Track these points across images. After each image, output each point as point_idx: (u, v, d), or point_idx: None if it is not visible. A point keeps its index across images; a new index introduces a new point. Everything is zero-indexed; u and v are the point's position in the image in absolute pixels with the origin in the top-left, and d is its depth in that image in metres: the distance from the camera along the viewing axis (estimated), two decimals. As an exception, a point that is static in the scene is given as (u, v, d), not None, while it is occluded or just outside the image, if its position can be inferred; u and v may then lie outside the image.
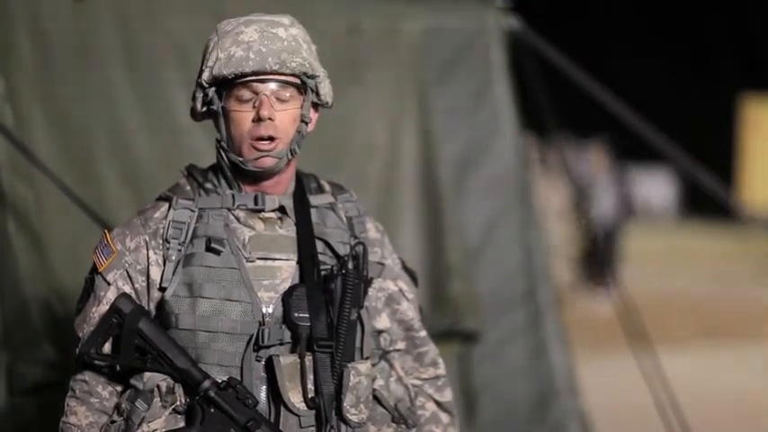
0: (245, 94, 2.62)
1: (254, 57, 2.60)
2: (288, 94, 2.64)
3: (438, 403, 2.88)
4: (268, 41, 2.61)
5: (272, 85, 2.62)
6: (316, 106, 2.73)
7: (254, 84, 2.62)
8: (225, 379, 2.57)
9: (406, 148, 4.84)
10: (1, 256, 3.87)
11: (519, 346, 5.11)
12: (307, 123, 2.69)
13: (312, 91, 2.70)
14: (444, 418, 2.88)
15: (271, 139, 2.62)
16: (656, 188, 30.08)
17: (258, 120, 2.61)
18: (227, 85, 2.63)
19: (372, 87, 4.76)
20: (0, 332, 3.82)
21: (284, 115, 2.63)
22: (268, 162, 2.64)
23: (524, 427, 5.09)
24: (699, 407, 6.28)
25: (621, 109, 5.17)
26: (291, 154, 2.67)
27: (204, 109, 2.71)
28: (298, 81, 2.65)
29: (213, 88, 2.66)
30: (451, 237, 4.86)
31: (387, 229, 2.92)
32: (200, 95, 2.69)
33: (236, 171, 2.68)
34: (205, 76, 2.65)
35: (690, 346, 11.05)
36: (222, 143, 2.68)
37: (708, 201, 7.43)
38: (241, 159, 2.64)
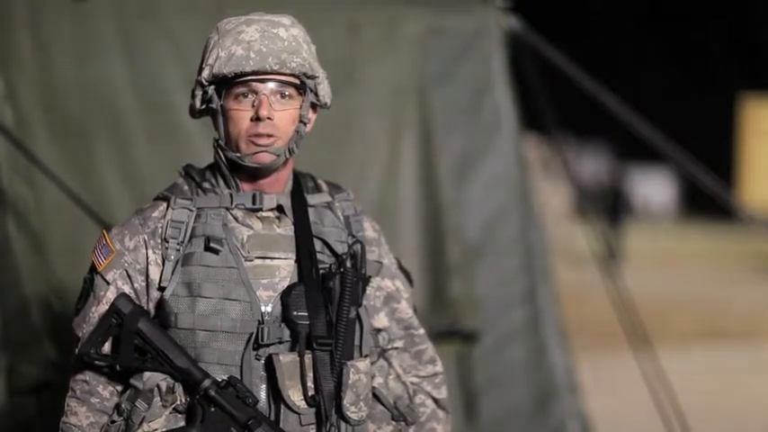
0: (245, 92, 2.63)
1: (255, 56, 2.60)
2: (287, 94, 2.64)
3: (435, 400, 2.89)
4: (269, 41, 2.62)
5: (272, 85, 2.63)
6: (314, 107, 2.74)
7: (254, 83, 2.62)
8: (225, 378, 2.57)
9: (406, 147, 4.84)
10: (1, 256, 3.87)
11: (519, 346, 5.11)
12: (305, 123, 2.70)
13: (311, 91, 2.70)
14: (441, 414, 2.89)
15: (269, 136, 2.62)
16: (656, 188, 30.12)
17: (257, 119, 2.61)
18: (226, 83, 2.63)
19: (372, 87, 4.76)
20: (0, 332, 3.82)
21: (283, 115, 2.64)
22: (266, 158, 2.64)
23: (524, 427, 5.09)
24: (699, 407, 6.28)
25: (621, 109, 5.17)
26: (289, 153, 2.67)
27: (203, 107, 2.71)
28: (297, 81, 2.66)
29: (213, 86, 2.66)
30: (451, 237, 4.86)
31: (386, 229, 2.92)
32: (199, 93, 2.70)
33: (233, 169, 2.69)
34: (205, 74, 2.65)
35: (690, 346, 11.06)
36: (220, 141, 2.68)
37: (708, 201, 7.43)
38: (239, 155, 2.64)
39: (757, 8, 28.19)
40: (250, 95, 2.63)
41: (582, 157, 24.93)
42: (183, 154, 3.99)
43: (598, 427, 5.57)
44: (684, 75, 29.85)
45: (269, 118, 2.61)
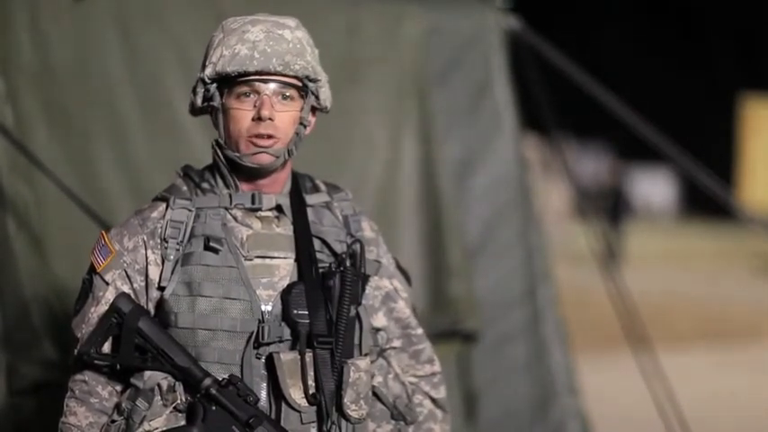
0: (247, 92, 2.63)
1: (259, 56, 2.61)
2: (289, 96, 2.65)
3: (433, 400, 2.89)
4: (273, 42, 2.63)
5: (274, 86, 2.63)
6: (314, 110, 2.75)
7: (257, 83, 2.63)
8: (225, 377, 2.58)
9: (406, 147, 4.83)
10: (1, 256, 3.87)
11: (519, 346, 5.11)
12: (305, 126, 2.71)
13: (313, 94, 2.71)
14: (439, 414, 2.90)
15: (269, 137, 2.62)
16: (656, 188, 30.12)
17: (258, 119, 2.62)
18: (229, 82, 2.64)
19: (372, 87, 4.76)
20: (0, 332, 3.82)
21: (284, 116, 2.64)
22: (265, 159, 2.65)
23: (524, 427, 5.09)
24: (699, 407, 6.29)
25: (621, 109, 5.17)
26: (288, 154, 2.68)
27: (204, 104, 2.71)
28: (299, 83, 2.67)
29: (215, 84, 2.67)
30: (451, 237, 4.86)
31: (386, 229, 2.92)
32: (200, 90, 2.70)
33: (232, 169, 2.69)
34: (208, 71, 2.66)
35: (690, 346, 11.06)
36: (219, 140, 2.68)
37: (708, 201, 7.44)
38: (238, 155, 2.65)
39: (757, 8, 28.20)
40: (252, 95, 2.63)
41: (582, 157, 24.93)
42: (183, 153, 4.00)
43: (598, 427, 5.57)
44: (684, 75, 29.86)
45: (270, 118, 2.62)
